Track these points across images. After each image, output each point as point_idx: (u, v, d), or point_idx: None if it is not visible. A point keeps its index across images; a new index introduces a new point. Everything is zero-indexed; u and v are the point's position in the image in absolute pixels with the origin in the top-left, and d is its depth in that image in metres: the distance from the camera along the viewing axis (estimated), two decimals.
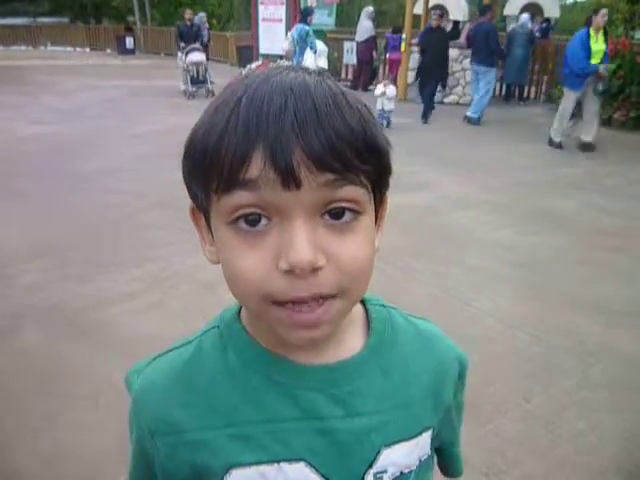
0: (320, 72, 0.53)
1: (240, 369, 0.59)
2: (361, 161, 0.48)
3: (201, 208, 0.55)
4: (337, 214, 0.49)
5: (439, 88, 9.62)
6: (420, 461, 0.65)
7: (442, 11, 9.49)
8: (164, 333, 2.77)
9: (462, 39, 12.07)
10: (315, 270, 0.48)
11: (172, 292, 3.27)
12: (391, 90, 8.49)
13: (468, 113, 9.27)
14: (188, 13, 12.22)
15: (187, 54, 10.89)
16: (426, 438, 0.65)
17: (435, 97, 9.35)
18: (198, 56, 10.98)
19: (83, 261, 3.78)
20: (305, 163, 0.46)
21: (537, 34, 12.04)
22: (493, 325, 3.09)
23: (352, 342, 0.62)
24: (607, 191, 5.70)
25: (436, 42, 8.77)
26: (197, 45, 11.33)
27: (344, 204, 0.49)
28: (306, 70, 0.52)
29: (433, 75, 8.97)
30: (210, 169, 0.49)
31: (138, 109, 9.64)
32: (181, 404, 0.60)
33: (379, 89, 8.49)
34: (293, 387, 0.58)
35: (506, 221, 4.77)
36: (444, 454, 0.74)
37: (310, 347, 0.57)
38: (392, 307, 0.68)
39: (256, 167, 0.46)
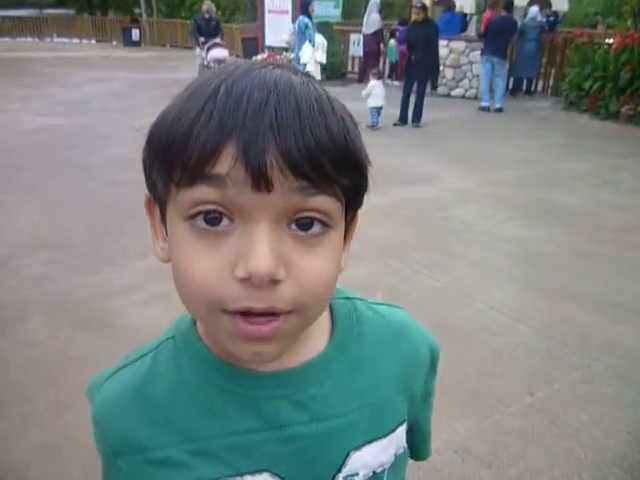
0: (307, 74, 0.50)
1: (196, 383, 0.57)
2: (338, 172, 0.45)
3: (157, 199, 0.51)
4: (305, 225, 0.46)
5: (428, 88, 8.88)
6: (396, 456, 0.63)
7: (423, 3, 8.60)
8: (169, 324, 2.79)
9: (471, 31, 12.02)
10: (273, 282, 0.44)
11: None
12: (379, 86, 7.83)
13: (497, 105, 9.46)
14: (206, 4, 11.20)
15: (208, 50, 9.93)
16: (400, 433, 0.63)
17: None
18: (222, 52, 9.92)
19: (88, 252, 3.80)
20: (279, 166, 0.42)
21: (545, 27, 11.96)
22: (497, 318, 3.09)
23: (315, 342, 0.58)
24: (613, 185, 5.67)
25: (424, 37, 8.10)
26: (219, 40, 10.41)
27: (314, 214, 0.46)
28: (293, 69, 0.49)
29: (423, 72, 8.34)
30: (175, 158, 0.45)
31: (144, 101, 9.62)
32: (140, 423, 0.57)
33: (368, 89, 7.80)
34: (253, 397, 0.56)
35: (510, 215, 4.76)
36: (412, 440, 0.69)
37: (258, 362, 0.53)
38: (357, 298, 0.65)
39: (226, 163, 0.43)
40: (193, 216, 0.46)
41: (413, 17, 8.40)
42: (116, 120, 8.15)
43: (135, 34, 21.68)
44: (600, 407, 2.41)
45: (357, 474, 0.59)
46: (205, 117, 0.44)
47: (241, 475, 0.56)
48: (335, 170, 0.45)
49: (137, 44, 21.45)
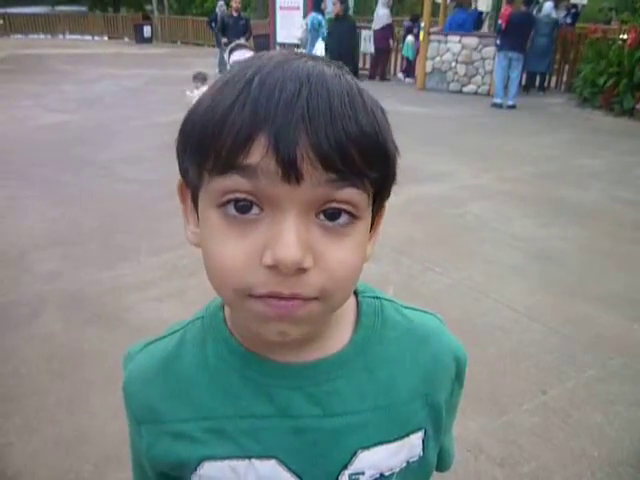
0: (340, 65, 0.51)
1: (216, 364, 0.59)
2: (367, 165, 0.46)
3: (190, 185, 0.53)
4: (332, 215, 0.47)
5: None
6: (408, 463, 0.62)
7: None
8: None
9: (485, 28, 11.93)
10: (300, 270, 0.46)
11: (190, 280, 3.27)
12: None
13: (510, 101, 9.51)
14: (236, 2, 10.52)
15: (231, 52, 8.76)
16: (415, 440, 0.62)
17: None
18: (247, 55, 8.98)
19: (102, 249, 3.82)
20: (309, 158, 0.43)
21: (568, 20, 11.83)
22: (510, 316, 3.07)
23: (338, 338, 0.59)
24: (628, 182, 5.61)
25: (339, 32, 7.66)
26: (243, 41, 9.59)
27: (342, 205, 0.47)
28: (326, 61, 0.50)
29: None
30: (208, 146, 0.46)
31: (156, 98, 9.66)
32: (162, 395, 0.60)
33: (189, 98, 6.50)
34: (268, 385, 0.57)
35: (524, 212, 4.72)
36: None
37: (285, 345, 0.54)
38: (387, 299, 0.65)
39: (258, 153, 0.44)
40: (224, 204, 0.47)
41: (334, 9, 8.05)
42: (129, 117, 8.19)
43: (147, 31, 21.73)
44: (614, 406, 2.39)
45: (363, 473, 0.60)
46: (239, 106, 0.45)
47: (249, 458, 0.58)
48: (364, 163, 0.46)
49: (149, 41, 21.50)
